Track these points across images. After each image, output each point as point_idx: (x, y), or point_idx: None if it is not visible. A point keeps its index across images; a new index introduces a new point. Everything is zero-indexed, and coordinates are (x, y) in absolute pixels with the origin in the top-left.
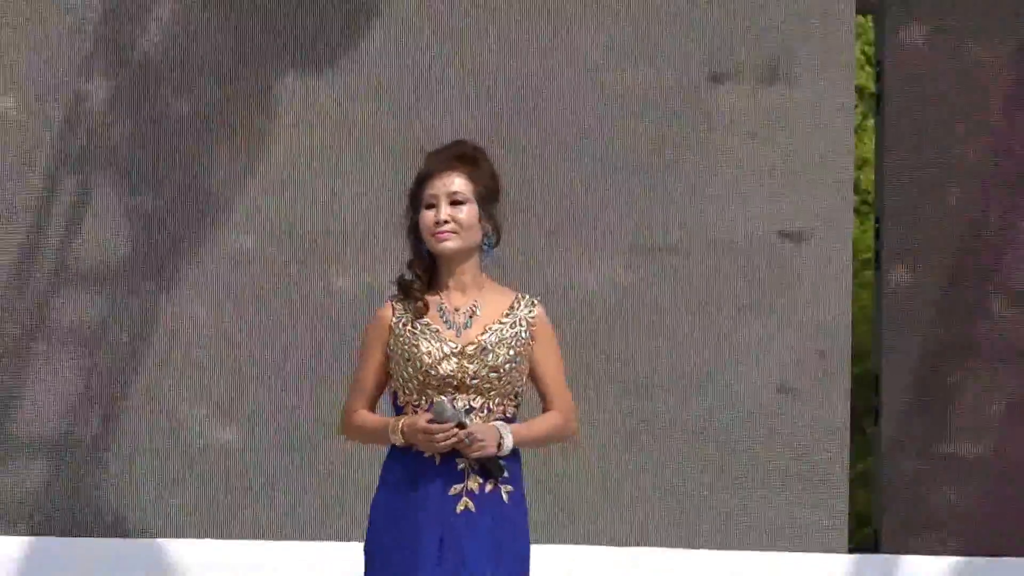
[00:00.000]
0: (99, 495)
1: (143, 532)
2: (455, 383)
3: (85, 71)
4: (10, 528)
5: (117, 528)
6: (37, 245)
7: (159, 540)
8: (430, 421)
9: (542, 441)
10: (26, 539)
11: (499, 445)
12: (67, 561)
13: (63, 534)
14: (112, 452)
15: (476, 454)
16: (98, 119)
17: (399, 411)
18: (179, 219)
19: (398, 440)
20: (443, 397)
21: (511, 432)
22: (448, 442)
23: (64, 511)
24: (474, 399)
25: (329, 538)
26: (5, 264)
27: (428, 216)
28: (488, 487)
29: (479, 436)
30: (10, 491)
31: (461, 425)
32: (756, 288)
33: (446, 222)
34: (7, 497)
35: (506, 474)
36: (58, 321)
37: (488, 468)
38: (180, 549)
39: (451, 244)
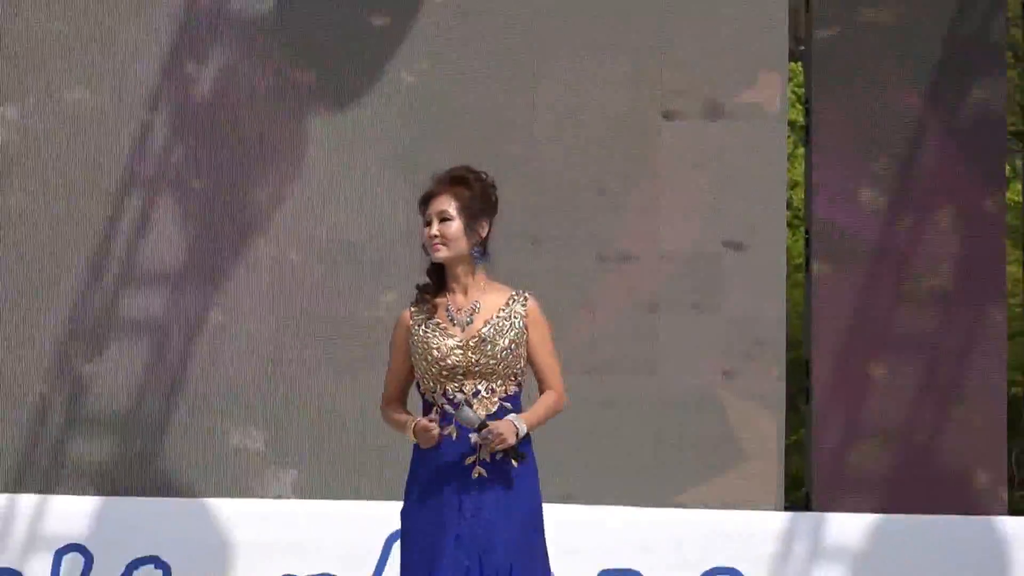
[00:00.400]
0: (158, 462)
1: (193, 493)
2: (462, 371)
3: (152, 102)
4: (86, 489)
5: (172, 489)
6: (107, 249)
7: (206, 499)
8: (458, 426)
9: (544, 420)
10: (98, 498)
11: (515, 434)
12: (133, 517)
13: (128, 494)
14: (169, 426)
15: (499, 447)
16: (162, 142)
17: (423, 398)
18: (228, 230)
19: (412, 440)
20: (465, 407)
21: (524, 421)
22: (429, 436)
23: (130, 475)
24: (480, 383)
25: (359, 498)
26: (81, 264)
27: (425, 232)
28: (499, 456)
29: (500, 432)
30: (86, 458)
31: (483, 426)
32: (704, 289)
33: (435, 236)
34: (83, 464)
35: (525, 457)
36: (125, 315)
37: (509, 455)
38: (222, 506)
39: (440, 254)
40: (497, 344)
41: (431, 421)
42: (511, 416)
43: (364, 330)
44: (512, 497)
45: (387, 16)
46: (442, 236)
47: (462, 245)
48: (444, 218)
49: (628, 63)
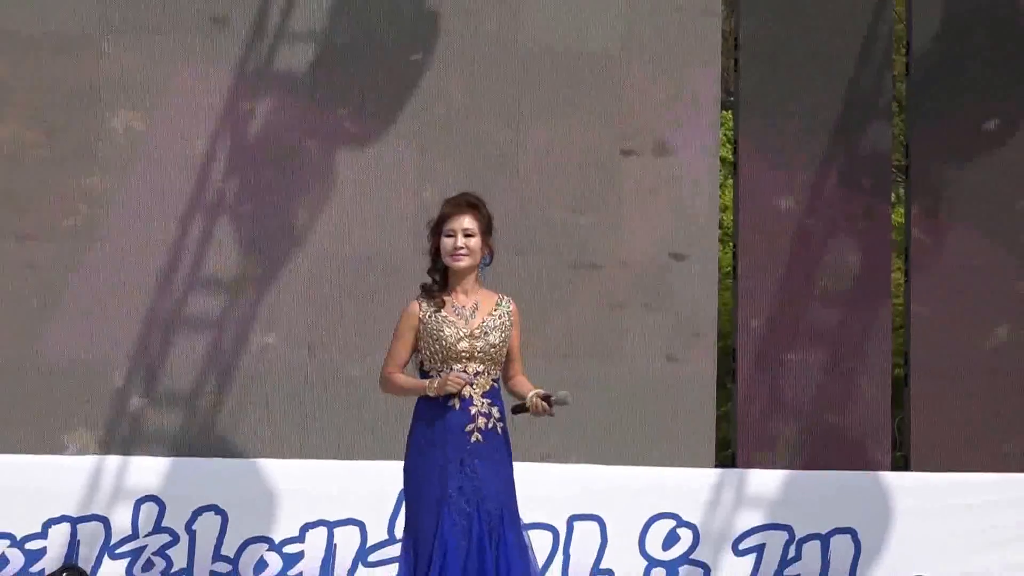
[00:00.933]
0: (216, 430)
1: (245, 454)
2: (467, 355)
3: (212, 137)
4: (159, 452)
5: (228, 451)
6: (177, 261)
7: (255, 459)
8: (554, 403)
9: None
10: (169, 459)
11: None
12: (197, 473)
13: (193, 456)
14: (225, 401)
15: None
16: (219, 174)
17: (424, 375)
18: (271, 245)
19: (432, 392)
20: (564, 391)
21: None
22: (459, 381)
23: (194, 440)
24: (479, 366)
25: (376, 459)
26: (156, 273)
27: (448, 243)
28: (490, 424)
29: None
30: (160, 427)
31: (562, 401)
32: (654, 292)
33: (461, 248)
34: (158, 430)
35: (568, 399)
36: (190, 313)
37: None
38: (267, 464)
39: (464, 263)
40: (493, 337)
41: (456, 380)
42: (554, 393)
43: (381, 321)
44: (497, 460)
45: (404, 74)
46: (466, 248)
47: (477, 256)
48: (468, 234)
49: (594, 111)
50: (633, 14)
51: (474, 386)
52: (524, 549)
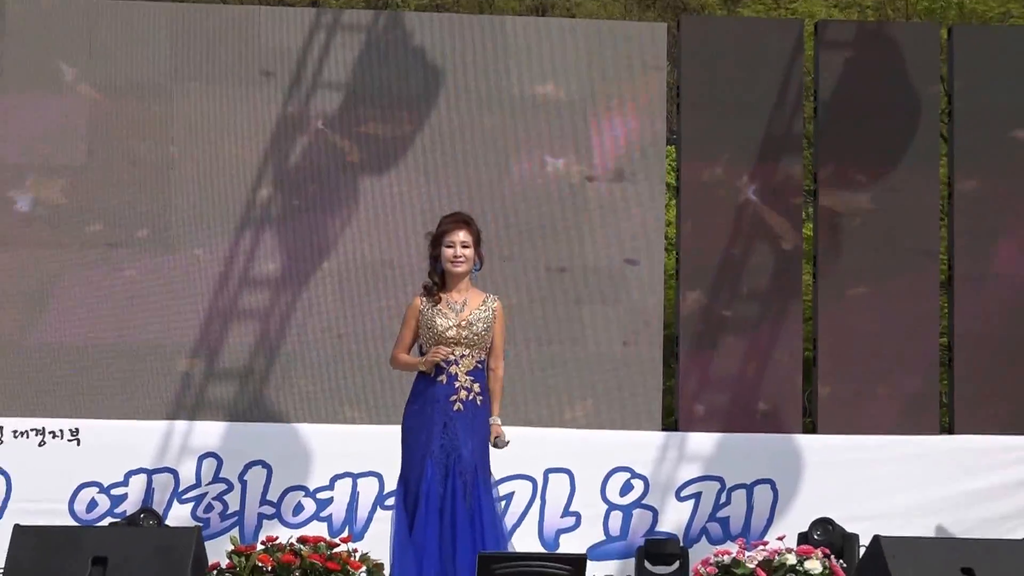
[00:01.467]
0: (265, 400)
1: (286, 420)
2: (455, 341)
3: (260, 166)
4: (217, 417)
5: (273, 417)
6: (231, 264)
7: (294, 423)
8: (448, 375)
9: (499, 401)
10: (225, 423)
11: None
12: (247, 435)
13: (244, 421)
14: (270, 377)
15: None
16: (266, 195)
17: (422, 354)
18: (307, 252)
19: (424, 368)
20: (503, 441)
21: (497, 417)
22: (438, 353)
23: (246, 408)
24: (465, 350)
25: (388, 424)
26: (215, 274)
27: (448, 252)
28: (471, 397)
29: (505, 441)
30: (218, 397)
31: (498, 446)
32: (612, 290)
33: (460, 256)
34: (217, 400)
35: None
36: (242, 307)
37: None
38: (304, 428)
39: (461, 268)
40: (477, 327)
41: (439, 352)
42: (497, 424)
43: (394, 313)
44: (475, 425)
45: (414, 116)
46: (464, 256)
47: (471, 263)
48: (464, 245)
49: (565, 146)
50: (596, 70)
51: (460, 365)
52: (492, 499)
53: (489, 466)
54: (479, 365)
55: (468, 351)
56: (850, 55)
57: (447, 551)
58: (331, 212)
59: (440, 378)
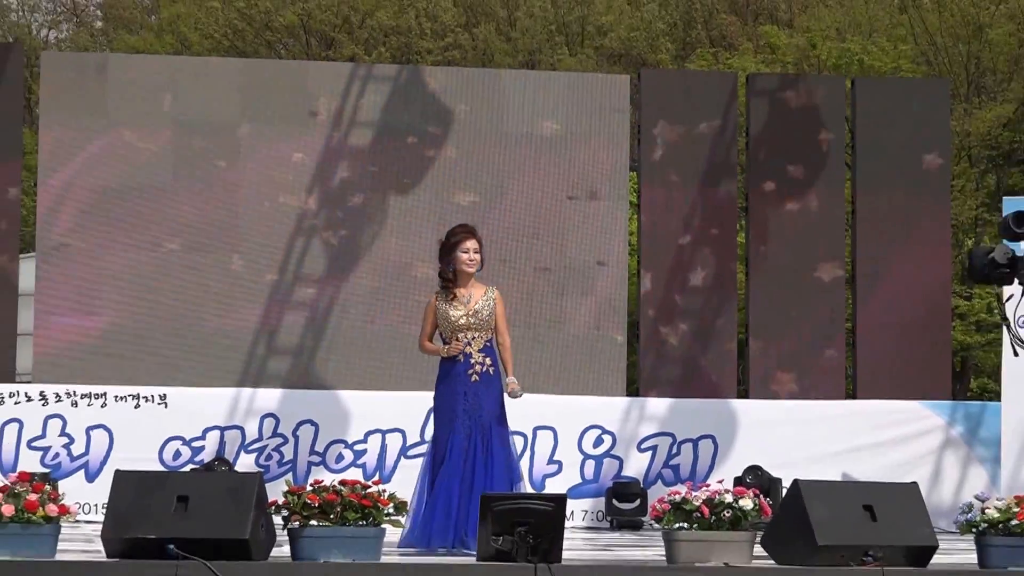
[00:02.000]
0: (313, 371)
1: (330, 387)
2: (466, 326)
3: (309, 190)
4: (275, 385)
5: (319, 385)
6: (287, 266)
7: (336, 390)
8: (465, 355)
9: (512, 361)
10: (281, 390)
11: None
12: (299, 400)
13: (296, 388)
14: (317, 354)
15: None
16: (313, 209)
17: (444, 341)
18: (347, 257)
19: (445, 354)
20: (517, 391)
21: (513, 376)
22: (455, 348)
23: (298, 377)
24: (474, 333)
25: (415, 390)
26: (273, 273)
27: (464, 256)
28: (484, 369)
29: (520, 393)
30: (276, 370)
31: (513, 396)
32: (586, 284)
33: (473, 259)
34: (275, 372)
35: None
36: (295, 299)
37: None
38: (343, 394)
39: (473, 269)
40: (483, 313)
41: (455, 347)
42: (513, 381)
43: (415, 303)
44: (490, 392)
45: (429, 148)
46: (475, 260)
47: (479, 265)
48: (476, 251)
49: (550, 172)
50: (573, 112)
51: (472, 345)
52: (506, 445)
53: (506, 422)
54: (488, 343)
55: (478, 333)
56: (774, 100)
57: (466, 491)
58: (364, 224)
59: (459, 358)
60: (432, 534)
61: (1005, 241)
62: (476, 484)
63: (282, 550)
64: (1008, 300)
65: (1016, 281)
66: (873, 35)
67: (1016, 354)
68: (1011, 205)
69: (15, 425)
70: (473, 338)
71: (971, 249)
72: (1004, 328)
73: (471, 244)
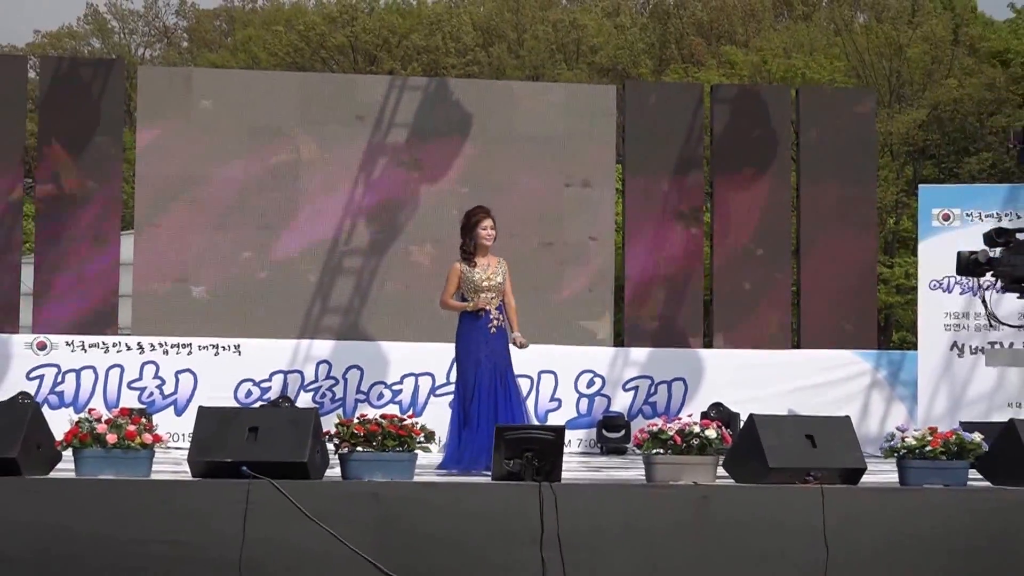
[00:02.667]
0: (358, 325)
1: (371, 338)
2: (484, 288)
3: (355, 181)
4: (328, 337)
5: (362, 336)
6: (335, 246)
7: (377, 341)
8: (485, 312)
9: (515, 321)
10: (331, 341)
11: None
12: (349, 350)
13: (342, 339)
14: (363, 312)
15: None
16: (357, 200)
17: (463, 299)
18: (385, 237)
19: (472, 310)
20: (521, 342)
21: (518, 332)
22: (483, 305)
23: (347, 331)
24: (491, 294)
25: (441, 342)
26: (323, 253)
27: (483, 232)
28: (499, 323)
29: (525, 343)
30: (329, 324)
31: (518, 346)
32: (581, 257)
33: (491, 234)
34: (328, 326)
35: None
36: (344, 270)
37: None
38: (383, 345)
39: (490, 242)
40: (497, 279)
41: (475, 306)
42: (518, 335)
43: (437, 272)
44: (503, 341)
45: (454, 145)
46: (492, 235)
47: (494, 238)
48: (492, 227)
49: (551, 165)
50: (571, 116)
51: (491, 304)
52: (517, 386)
53: (512, 366)
54: (500, 303)
55: (494, 295)
56: (733, 106)
57: (492, 422)
58: (401, 207)
59: (480, 313)
60: (468, 459)
61: (984, 246)
62: (500, 416)
63: (334, 471)
64: (987, 289)
65: (990, 273)
66: (813, 53)
67: (992, 326)
68: (925, 192)
69: (117, 370)
70: (491, 298)
71: (959, 252)
72: (982, 305)
73: (488, 222)
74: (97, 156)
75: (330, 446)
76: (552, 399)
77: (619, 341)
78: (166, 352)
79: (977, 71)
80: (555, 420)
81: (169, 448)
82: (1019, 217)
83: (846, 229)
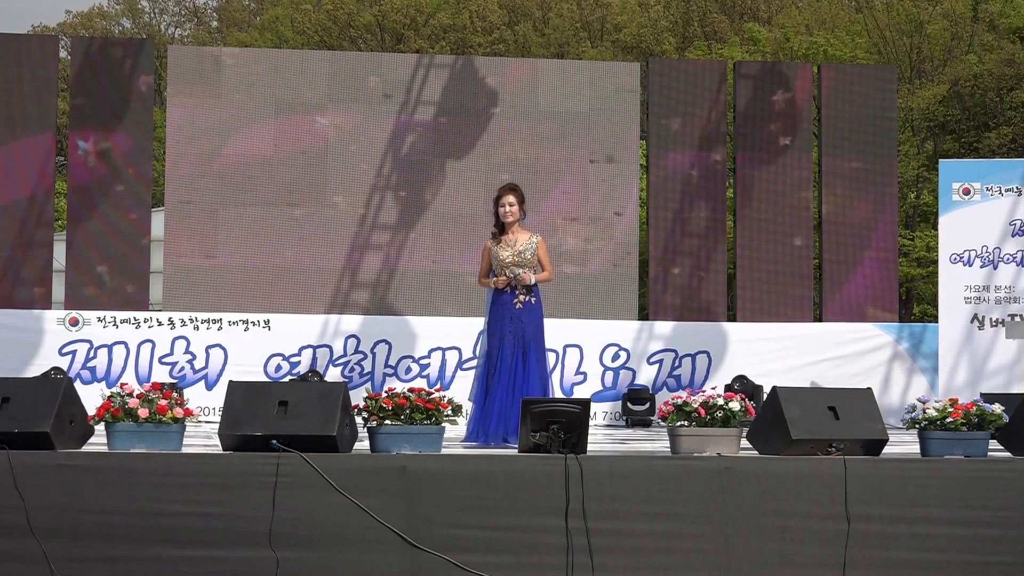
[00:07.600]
0: (387, 301)
1: (399, 313)
2: (513, 264)
3: (383, 156)
4: (356, 312)
5: (392, 312)
6: (365, 219)
7: (406, 316)
8: (511, 287)
9: (541, 281)
10: (361, 316)
11: (531, 280)
12: (377, 324)
13: (370, 315)
14: (390, 288)
15: (522, 283)
16: (387, 171)
17: (494, 274)
18: (412, 211)
19: (497, 286)
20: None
21: (534, 276)
22: (504, 280)
23: (375, 306)
24: (519, 269)
25: (467, 316)
26: (353, 220)
27: (502, 210)
28: (526, 299)
29: (522, 275)
30: (357, 300)
31: (517, 281)
32: (606, 231)
33: (507, 212)
34: (356, 302)
35: (530, 292)
36: (372, 246)
37: (522, 287)
38: (410, 320)
39: (508, 219)
40: (526, 254)
41: (501, 280)
42: (524, 272)
43: (471, 250)
44: (531, 318)
45: (481, 122)
46: (511, 212)
47: (517, 215)
48: (511, 204)
49: (576, 140)
50: (596, 93)
51: (518, 279)
52: (542, 361)
53: (543, 342)
54: (534, 286)
55: (522, 270)
56: (756, 83)
57: (510, 398)
58: (428, 183)
59: (506, 289)
60: (488, 432)
61: None
62: (516, 391)
63: (362, 444)
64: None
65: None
66: (835, 30)
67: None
68: (946, 166)
69: (149, 345)
70: (518, 274)
71: None
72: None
73: (506, 199)
74: (128, 134)
75: (359, 419)
76: (577, 372)
77: (643, 315)
78: (196, 327)
79: (997, 47)
80: (580, 393)
81: (200, 422)
82: None
83: (868, 203)
